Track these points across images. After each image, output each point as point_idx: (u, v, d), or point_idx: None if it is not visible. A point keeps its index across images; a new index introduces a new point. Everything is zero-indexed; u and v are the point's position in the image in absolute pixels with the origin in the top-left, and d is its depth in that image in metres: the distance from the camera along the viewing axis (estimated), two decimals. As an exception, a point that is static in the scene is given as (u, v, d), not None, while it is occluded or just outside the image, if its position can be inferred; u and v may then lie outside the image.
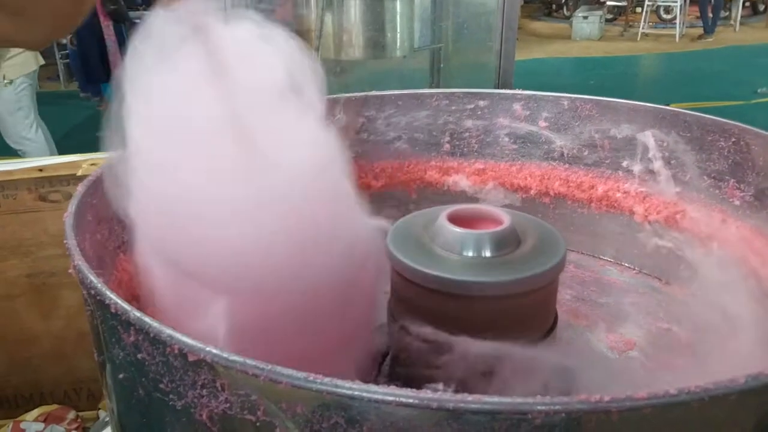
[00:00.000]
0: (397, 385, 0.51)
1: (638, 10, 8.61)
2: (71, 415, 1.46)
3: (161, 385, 0.31)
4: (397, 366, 0.53)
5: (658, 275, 0.71)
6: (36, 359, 1.49)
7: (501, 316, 0.47)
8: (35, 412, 1.43)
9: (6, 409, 1.52)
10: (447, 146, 0.78)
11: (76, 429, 1.43)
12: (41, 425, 1.41)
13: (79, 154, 1.61)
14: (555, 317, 0.52)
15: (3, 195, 1.44)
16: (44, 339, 1.48)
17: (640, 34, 8.20)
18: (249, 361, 0.27)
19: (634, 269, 0.73)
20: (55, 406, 1.46)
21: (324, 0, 1.28)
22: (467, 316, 0.47)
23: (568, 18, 8.97)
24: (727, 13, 8.91)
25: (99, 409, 1.47)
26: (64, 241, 0.39)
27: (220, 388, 0.28)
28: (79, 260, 0.36)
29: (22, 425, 1.40)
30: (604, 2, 9.00)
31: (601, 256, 0.75)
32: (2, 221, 1.43)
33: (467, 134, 0.78)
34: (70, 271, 0.37)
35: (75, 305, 1.48)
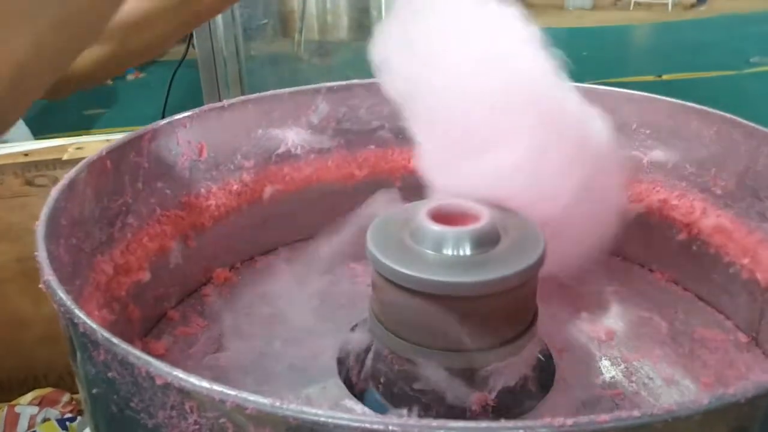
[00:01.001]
0: (378, 383, 0.52)
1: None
2: (66, 398, 1.46)
3: (132, 404, 0.31)
4: (379, 363, 0.54)
5: (640, 262, 0.71)
6: (28, 343, 1.49)
7: (479, 314, 0.48)
8: (29, 396, 1.44)
9: (0, 392, 1.53)
10: (432, 134, 0.78)
11: (70, 412, 1.43)
12: (36, 408, 1.42)
13: (64, 138, 1.59)
14: (535, 311, 0.53)
15: (-11, 180, 1.43)
16: (36, 323, 1.48)
17: (632, 3, 8.12)
18: (216, 387, 0.27)
19: (617, 256, 0.73)
20: (49, 390, 1.47)
21: (307, -20, 1.26)
22: (446, 315, 0.47)
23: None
24: (722, -20, 8.80)
25: (92, 391, 1.48)
26: (35, 253, 0.39)
27: (189, 410, 0.28)
28: (49, 275, 0.36)
29: (17, 409, 1.40)
30: (597, -30, 8.90)
31: (585, 243, 0.75)
32: (-11, 206, 1.43)
33: (451, 122, 0.77)
34: (40, 286, 0.37)
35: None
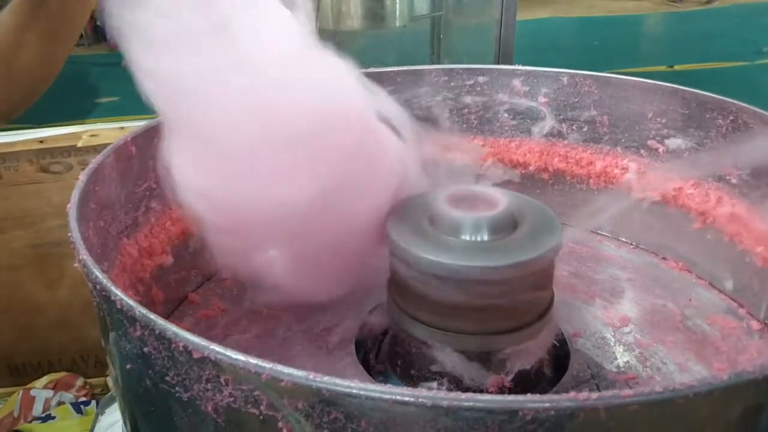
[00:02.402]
0: (396, 365, 0.53)
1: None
2: (80, 382, 1.49)
3: (167, 378, 0.32)
4: (396, 345, 0.55)
5: (654, 251, 0.72)
6: (43, 328, 1.52)
7: (497, 298, 0.48)
8: (44, 380, 1.46)
9: (15, 376, 1.55)
10: (446, 123, 0.79)
11: (84, 396, 1.46)
12: (50, 392, 1.44)
13: (78, 125, 1.60)
14: (551, 296, 0.53)
15: (5, 167, 1.44)
16: (51, 308, 1.50)
17: (644, -8, 8.05)
18: (251, 360, 0.28)
19: (631, 244, 0.74)
20: (63, 374, 1.49)
21: (322, -31, 1.26)
22: (464, 300, 0.48)
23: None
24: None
25: (107, 376, 1.50)
26: (68, 235, 0.40)
27: (224, 383, 0.30)
28: (84, 255, 0.37)
29: (32, 392, 1.43)
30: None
31: (599, 231, 0.76)
32: (5, 193, 1.44)
33: (466, 110, 0.78)
34: (75, 265, 0.38)
35: (80, 274, 1.49)
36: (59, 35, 0.87)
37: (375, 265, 0.55)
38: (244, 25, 0.48)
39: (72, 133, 1.47)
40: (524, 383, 0.51)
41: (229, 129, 0.46)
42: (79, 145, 1.42)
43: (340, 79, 0.52)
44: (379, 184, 0.52)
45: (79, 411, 1.40)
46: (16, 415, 1.37)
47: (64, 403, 1.42)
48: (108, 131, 1.45)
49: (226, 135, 0.46)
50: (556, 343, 0.56)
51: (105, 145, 1.15)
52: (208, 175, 0.47)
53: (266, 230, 0.49)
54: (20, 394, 1.41)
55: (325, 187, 0.48)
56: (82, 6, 0.87)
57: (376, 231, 0.52)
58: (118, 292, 0.33)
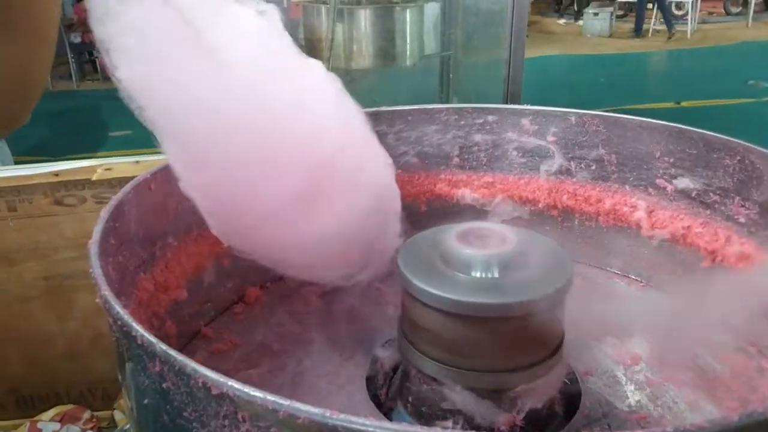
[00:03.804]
0: (407, 402, 0.54)
1: (650, 6, 8.55)
2: (87, 414, 1.48)
3: (185, 414, 0.32)
4: (407, 382, 0.55)
5: (664, 288, 0.72)
6: (52, 360, 1.52)
7: (508, 335, 0.49)
8: (51, 412, 1.46)
9: (23, 408, 1.55)
10: (456, 160, 0.80)
11: (91, 429, 1.45)
12: (57, 425, 1.44)
13: (93, 159, 1.63)
14: (562, 334, 0.54)
15: (20, 199, 1.46)
16: (60, 340, 1.50)
17: (651, 30, 8.16)
18: (269, 397, 0.29)
19: (641, 282, 0.74)
20: (70, 406, 1.48)
21: (335, 11, 1.29)
22: (475, 337, 0.48)
23: (578, 14, 8.95)
24: (740, 9, 8.86)
25: (114, 409, 1.49)
26: (90, 270, 0.41)
27: (241, 420, 0.30)
28: (106, 291, 0.38)
29: (39, 425, 1.42)
30: (615, -1, 8.98)
31: (609, 269, 0.77)
32: (19, 225, 1.46)
33: (476, 148, 0.79)
34: (97, 300, 0.39)
35: (90, 306, 1.50)
36: (30, 48, 0.88)
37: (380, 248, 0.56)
38: (217, 35, 0.49)
39: (87, 166, 1.49)
40: (535, 422, 0.51)
41: (207, 138, 0.48)
42: (94, 178, 1.44)
43: (317, 87, 0.53)
44: (357, 187, 0.54)
45: (85, 444, 1.39)
46: (23, 447, 1.36)
47: (70, 436, 1.41)
48: (123, 165, 1.47)
49: (208, 143, 0.48)
50: (567, 381, 0.56)
51: (119, 179, 1.17)
52: (198, 175, 0.49)
53: (260, 218, 0.51)
54: (27, 426, 1.40)
55: (301, 192, 0.50)
56: (46, 14, 0.88)
57: (360, 224, 0.54)
58: (138, 329, 0.34)
